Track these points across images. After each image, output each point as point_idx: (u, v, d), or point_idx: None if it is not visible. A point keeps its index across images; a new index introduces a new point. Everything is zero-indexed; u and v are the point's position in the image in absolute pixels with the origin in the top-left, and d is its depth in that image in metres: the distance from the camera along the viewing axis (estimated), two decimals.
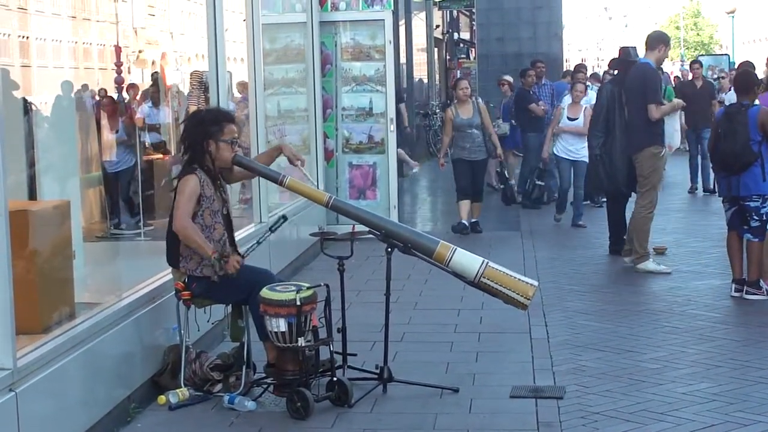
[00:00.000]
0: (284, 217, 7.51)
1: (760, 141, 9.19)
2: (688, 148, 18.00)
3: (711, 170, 13.76)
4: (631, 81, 10.92)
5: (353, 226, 7.07)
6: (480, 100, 18.33)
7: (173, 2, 13.56)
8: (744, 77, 9.78)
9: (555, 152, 14.44)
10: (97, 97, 10.97)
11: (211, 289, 6.74)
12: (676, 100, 12.02)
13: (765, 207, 9.29)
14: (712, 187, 16.27)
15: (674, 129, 12.22)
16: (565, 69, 22.13)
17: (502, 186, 16.45)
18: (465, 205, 13.68)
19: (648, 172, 10.71)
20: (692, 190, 17.67)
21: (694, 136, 17.56)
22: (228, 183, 7.17)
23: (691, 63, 20.61)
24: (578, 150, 13.92)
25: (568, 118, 14.20)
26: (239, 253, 6.91)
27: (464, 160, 13.68)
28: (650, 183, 10.75)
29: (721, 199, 9.73)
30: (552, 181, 17.00)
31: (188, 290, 6.72)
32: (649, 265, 10.73)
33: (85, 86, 10.42)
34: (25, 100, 7.85)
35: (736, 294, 9.45)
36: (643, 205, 10.80)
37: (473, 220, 13.71)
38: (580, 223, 13.96)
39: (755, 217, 9.30)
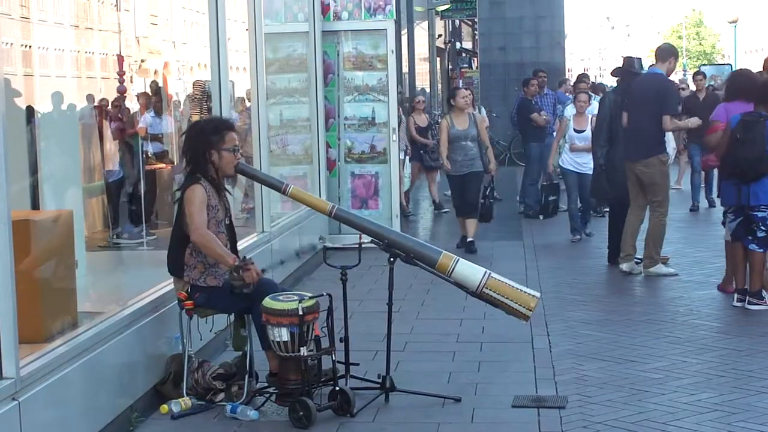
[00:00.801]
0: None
1: None
2: (689, 161, 17.72)
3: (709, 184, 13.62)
4: (644, 90, 10.96)
5: (360, 235, 7.05)
6: (483, 110, 18.41)
7: (176, 12, 13.58)
8: (766, 88, 9.71)
9: (561, 164, 14.02)
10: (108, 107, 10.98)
11: (213, 298, 6.74)
12: (693, 119, 12.00)
13: None
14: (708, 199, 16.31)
15: (667, 140, 12.30)
16: (561, 79, 21.70)
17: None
18: (461, 221, 13.22)
19: (659, 179, 10.80)
20: (694, 208, 16.75)
21: (698, 151, 16.25)
22: None
23: (694, 74, 19.47)
24: (586, 162, 13.33)
25: (575, 130, 13.84)
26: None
27: (455, 175, 13.08)
28: (663, 189, 10.84)
29: (726, 208, 9.72)
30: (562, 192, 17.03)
31: (191, 300, 6.73)
32: (662, 269, 10.86)
33: (89, 96, 10.42)
34: (28, 109, 7.86)
35: (738, 304, 9.45)
36: (661, 212, 10.93)
37: (469, 239, 12.96)
38: (587, 232, 13.91)
39: (762, 228, 9.31)
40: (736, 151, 9.33)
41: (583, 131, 13.63)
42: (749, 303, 9.39)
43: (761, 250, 9.36)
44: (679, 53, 16.15)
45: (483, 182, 13.29)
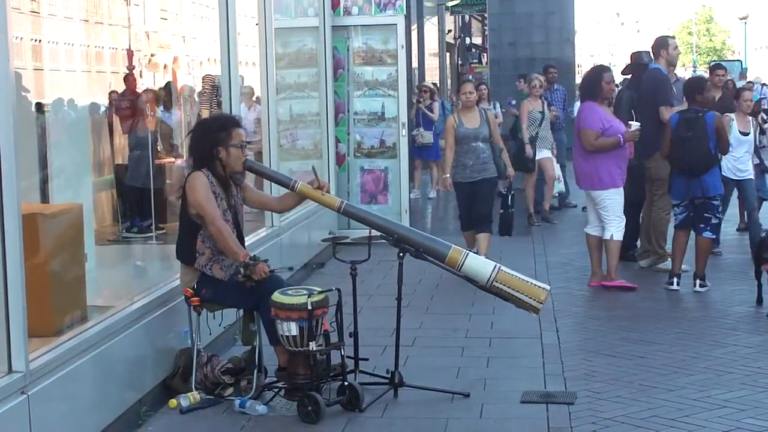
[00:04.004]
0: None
1: (714, 145, 9.85)
2: None
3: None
4: (644, 87, 11.00)
5: (370, 230, 7.03)
6: (497, 106, 18.15)
7: (186, 6, 13.60)
8: (695, 84, 10.38)
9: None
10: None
11: (220, 294, 6.73)
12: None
13: (720, 205, 10.20)
14: None
15: None
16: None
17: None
18: (468, 237, 11.44)
19: (664, 175, 10.76)
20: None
21: None
22: (247, 205, 7.19)
23: (714, 67, 15.54)
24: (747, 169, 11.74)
25: (741, 132, 11.62)
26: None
27: (463, 183, 11.15)
28: (664, 184, 10.82)
29: (678, 202, 10.08)
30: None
31: (197, 296, 6.72)
32: (670, 264, 10.83)
33: (100, 89, 10.44)
34: (37, 104, 7.86)
35: (675, 287, 10.00)
36: (661, 207, 10.97)
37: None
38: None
39: (718, 215, 10.01)
40: (683, 149, 9.83)
41: (748, 134, 11.69)
42: (701, 286, 9.94)
43: (713, 236, 10.14)
44: (688, 48, 15.67)
45: (501, 189, 11.86)
